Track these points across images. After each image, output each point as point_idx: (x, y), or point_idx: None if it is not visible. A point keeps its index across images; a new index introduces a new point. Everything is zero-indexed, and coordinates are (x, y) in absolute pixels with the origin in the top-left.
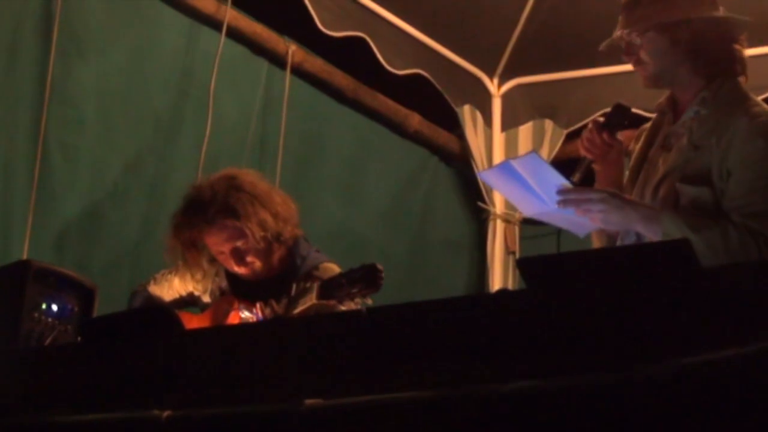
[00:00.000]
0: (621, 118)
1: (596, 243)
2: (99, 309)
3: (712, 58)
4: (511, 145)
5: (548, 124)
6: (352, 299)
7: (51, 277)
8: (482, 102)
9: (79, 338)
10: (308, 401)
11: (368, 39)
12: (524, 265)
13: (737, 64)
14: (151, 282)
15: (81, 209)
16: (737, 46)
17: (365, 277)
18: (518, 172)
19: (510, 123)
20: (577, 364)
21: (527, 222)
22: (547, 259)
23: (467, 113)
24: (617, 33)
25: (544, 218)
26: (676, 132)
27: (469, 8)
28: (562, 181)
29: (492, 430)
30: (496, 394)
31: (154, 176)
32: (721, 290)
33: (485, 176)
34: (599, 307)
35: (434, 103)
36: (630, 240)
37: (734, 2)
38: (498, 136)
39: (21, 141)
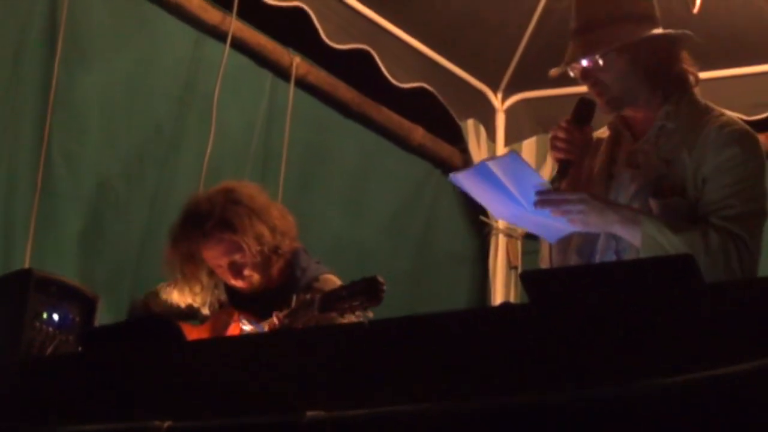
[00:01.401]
0: (589, 112)
1: (547, 251)
2: (100, 319)
3: (668, 75)
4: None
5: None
6: (353, 312)
7: (52, 286)
8: (486, 116)
9: (80, 348)
10: (309, 413)
11: (373, 52)
12: (527, 279)
13: (690, 76)
14: (150, 295)
15: (83, 218)
16: (684, 62)
17: (366, 290)
18: (494, 174)
19: (513, 137)
20: (580, 379)
21: (529, 237)
22: (549, 273)
23: (471, 127)
24: (574, 58)
25: (516, 221)
26: (642, 149)
27: (474, 23)
28: (541, 182)
29: None
30: (497, 408)
31: (157, 186)
32: (724, 306)
33: (457, 179)
34: (602, 322)
35: (438, 116)
36: (610, 252)
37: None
38: (501, 151)
39: (24, 149)
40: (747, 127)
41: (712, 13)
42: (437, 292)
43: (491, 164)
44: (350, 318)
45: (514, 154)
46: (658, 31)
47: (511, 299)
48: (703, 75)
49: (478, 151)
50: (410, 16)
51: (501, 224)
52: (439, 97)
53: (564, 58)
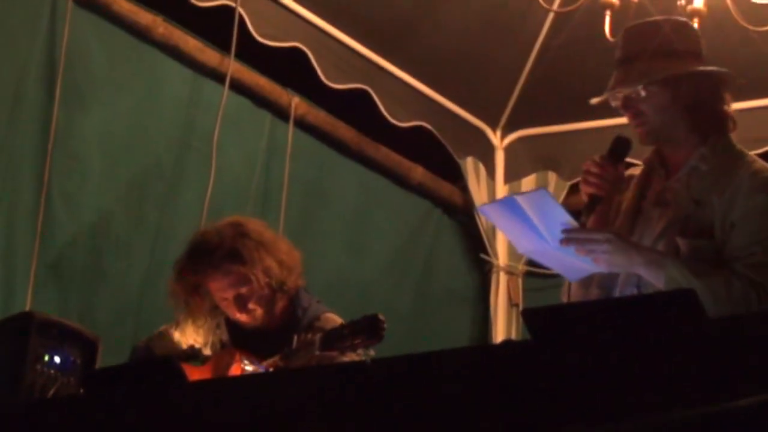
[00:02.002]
0: (625, 150)
1: (567, 286)
2: (102, 361)
3: (707, 115)
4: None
5: (551, 176)
6: (354, 350)
7: (54, 329)
8: (485, 154)
9: (82, 390)
10: None
11: (371, 91)
12: (529, 316)
13: (729, 121)
14: (152, 338)
15: (84, 260)
16: (726, 104)
17: (367, 328)
18: (521, 209)
19: (513, 175)
20: (583, 416)
21: (531, 274)
22: (551, 310)
23: (470, 165)
24: (616, 87)
25: (539, 258)
26: (672, 188)
27: (472, 61)
28: (569, 220)
29: None
30: None
31: (157, 227)
32: (728, 340)
33: (485, 210)
34: (605, 358)
35: (437, 155)
36: (630, 287)
37: (729, 55)
38: (501, 188)
39: (24, 191)
40: None
41: (712, 48)
42: (438, 330)
43: (519, 199)
44: (351, 356)
45: (544, 191)
46: (700, 68)
47: (513, 336)
48: None
49: (477, 189)
50: (408, 54)
51: (501, 262)
52: (438, 136)
53: (607, 86)
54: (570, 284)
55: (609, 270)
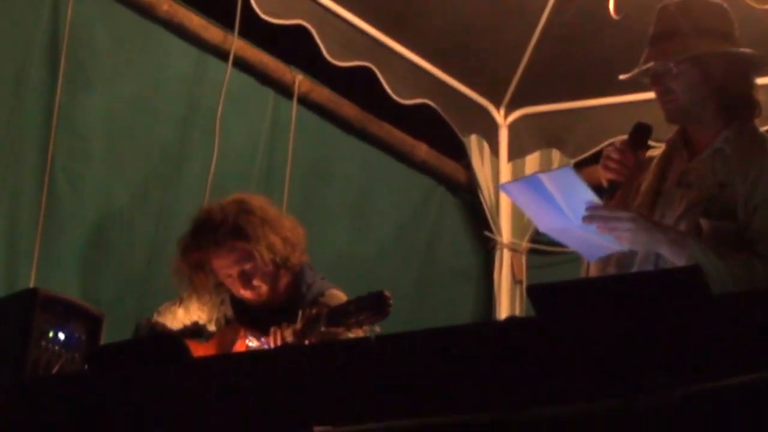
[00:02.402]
0: (645, 136)
1: (585, 265)
2: (106, 337)
3: (735, 98)
4: (517, 175)
5: (555, 154)
6: (360, 326)
7: (58, 305)
8: (489, 132)
9: (86, 367)
10: (317, 428)
11: (375, 69)
12: (534, 292)
13: (755, 108)
14: (155, 314)
15: (88, 238)
16: (755, 89)
17: (373, 305)
18: (544, 187)
19: (517, 153)
20: (587, 391)
21: (534, 252)
22: (556, 286)
23: (474, 143)
24: (650, 62)
25: (559, 235)
26: (696, 169)
27: (476, 38)
28: (593, 198)
29: None
30: (504, 422)
31: (161, 205)
32: (732, 318)
33: (507, 188)
34: (609, 334)
35: (441, 133)
36: (648, 266)
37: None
38: (505, 166)
39: (28, 171)
40: None
41: None
42: (442, 308)
43: (543, 177)
44: (357, 332)
45: (569, 168)
46: (735, 48)
47: (517, 313)
48: None
49: (481, 166)
50: (412, 32)
51: (505, 239)
52: (442, 114)
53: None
54: (588, 264)
55: (631, 248)
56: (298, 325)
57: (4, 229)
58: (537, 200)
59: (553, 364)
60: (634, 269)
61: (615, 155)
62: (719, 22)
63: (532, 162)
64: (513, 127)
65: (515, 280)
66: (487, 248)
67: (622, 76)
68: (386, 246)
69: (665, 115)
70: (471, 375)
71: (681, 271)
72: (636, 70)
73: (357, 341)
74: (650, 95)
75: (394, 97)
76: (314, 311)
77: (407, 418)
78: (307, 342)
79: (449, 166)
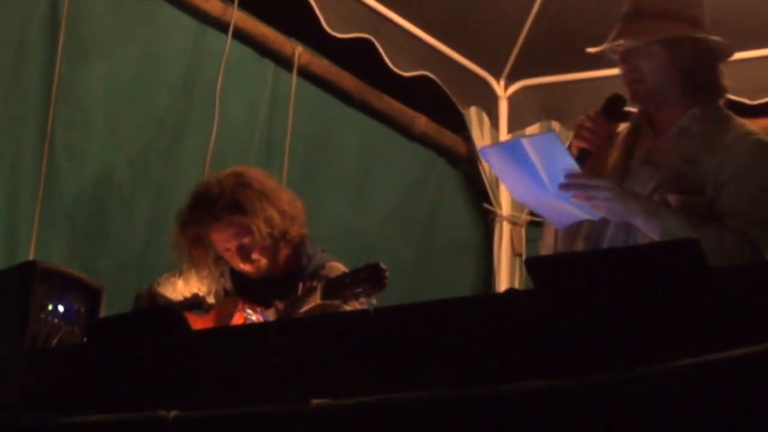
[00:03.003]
0: (620, 107)
1: (552, 238)
2: (105, 310)
3: (702, 82)
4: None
5: (555, 126)
6: (356, 299)
7: (57, 278)
8: (489, 104)
9: (85, 339)
10: (314, 401)
11: (374, 41)
12: (532, 265)
13: (720, 91)
14: (155, 285)
15: (87, 211)
16: (720, 74)
17: (370, 277)
18: (525, 153)
19: (517, 125)
20: (586, 364)
21: (534, 224)
22: (555, 259)
23: (474, 115)
24: (621, 39)
25: (533, 205)
26: (662, 148)
27: (476, 10)
28: (573, 165)
29: (499, 431)
30: (503, 395)
31: (161, 178)
32: (730, 291)
33: (486, 152)
34: (607, 307)
35: (441, 105)
36: (618, 244)
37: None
38: (504, 138)
39: (27, 143)
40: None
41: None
42: (441, 280)
43: (525, 142)
44: (354, 305)
45: (553, 134)
46: (705, 34)
47: (516, 286)
48: None
49: (481, 138)
50: (412, 4)
51: (505, 211)
52: (442, 86)
53: (609, 37)
54: (557, 237)
55: (607, 216)
56: (296, 297)
57: (4, 201)
58: (515, 166)
59: (552, 336)
60: (604, 245)
61: (588, 124)
62: (692, 8)
63: (531, 133)
64: (513, 99)
65: (515, 253)
66: (486, 221)
67: (590, 49)
68: (386, 218)
69: (630, 95)
70: (470, 347)
71: (680, 244)
72: (605, 45)
73: (355, 313)
74: None
75: (394, 69)
76: (314, 283)
77: (405, 390)
78: (304, 314)
79: (449, 138)
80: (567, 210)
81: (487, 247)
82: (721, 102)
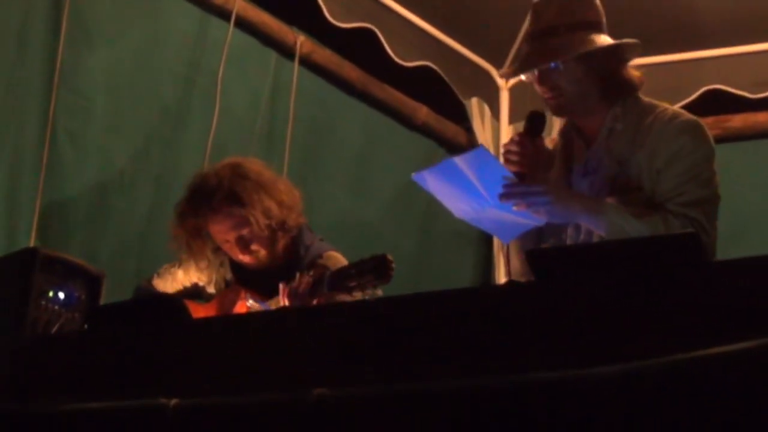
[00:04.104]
0: (540, 124)
1: (513, 254)
2: (106, 297)
3: (617, 83)
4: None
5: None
6: (362, 290)
7: (58, 264)
8: (490, 95)
9: (85, 326)
10: (316, 390)
11: (377, 31)
12: (532, 257)
13: (635, 82)
14: (155, 276)
15: (88, 198)
16: (630, 68)
17: (375, 268)
18: (459, 171)
19: (518, 116)
20: (585, 356)
21: None
22: (555, 251)
23: (475, 106)
24: (537, 62)
25: (476, 222)
26: (595, 155)
27: (478, 1)
28: (507, 175)
29: (499, 421)
30: (503, 386)
31: (162, 165)
32: (729, 284)
33: (420, 177)
34: (607, 299)
35: (442, 95)
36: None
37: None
38: (505, 129)
39: (29, 129)
40: (694, 117)
41: None
42: (442, 271)
43: (458, 160)
44: (359, 296)
45: (482, 148)
46: (615, 41)
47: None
48: (706, 54)
49: (482, 129)
50: None
51: None
52: (443, 76)
53: (519, 59)
54: (508, 251)
55: (551, 220)
56: (309, 279)
57: (5, 188)
58: (451, 186)
59: (551, 328)
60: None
61: (513, 147)
62: (591, 14)
63: None
64: (514, 91)
65: None
66: None
67: (501, 73)
68: (386, 208)
69: (552, 110)
70: (470, 338)
71: (678, 237)
72: (517, 69)
73: (356, 304)
74: (647, 60)
75: (396, 59)
76: (311, 273)
77: (407, 381)
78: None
79: (450, 128)
80: (511, 221)
81: (488, 237)
82: (638, 93)
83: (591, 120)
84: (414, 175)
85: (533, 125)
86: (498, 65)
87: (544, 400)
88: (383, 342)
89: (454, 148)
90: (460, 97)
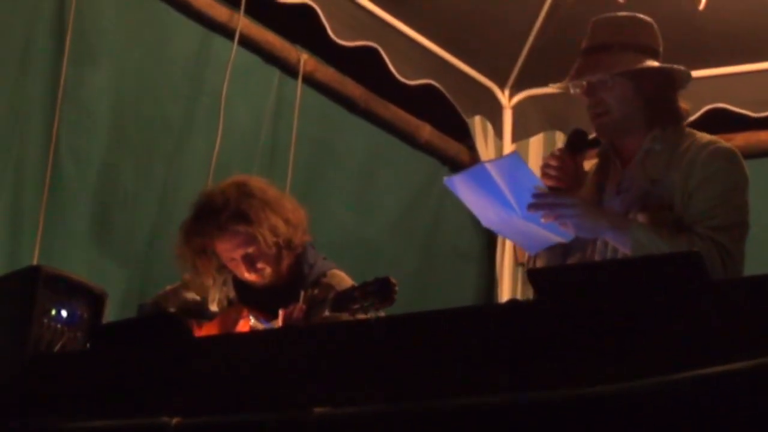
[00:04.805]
0: (581, 142)
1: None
2: (109, 316)
3: (663, 109)
4: (521, 157)
5: (559, 136)
6: (365, 312)
7: (61, 283)
8: (493, 113)
9: (88, 345)
10: (317, 409)
11: (380, 49)
12: (534, 276)
13: (680, 115)
14: (159, 297)
15: (92, 214)
16: (678, 100)
17: (379, 291)
18: (490, 177)
19: (521, 134)
20: (587, 375)
21: None
22: (556, 270)
23: (478, 124)
24: (585, 74)
25: (503, 230)
26: (630, 175)
27: (481, 19)
28: (538, 184)
29: None
30: (506, 405)
31: (165, 182)
32: (730, 303)
33: (452, 182)
34: (609, 318)
35: (445, 113)
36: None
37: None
38: (509, 148)
39: (33, 145)
40: (730, 145)
41: (719, 9)
42: (444, 289)
43: (489, 166)
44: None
45: (516, 155)
46: (666, 65)
47: (518, 296)
48: (710, 72)
49: (485, 148)
50: (417, 12)
51: None
52: (447, 94)
53: (570, 72)
54: (533, 258)
55: (577, 234)
56: (303, 307)
57: (8, 204)
58: (481, 192)
59: (553, 347)
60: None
61: (554, 162)
62: (649, 39)
63: (536, 144)
64: (517, 109)
65: (517, 263)
66: (489, 230)
67: (552, 86)
68: (390, 226)
69: (596, 129)
70: (471, 357)
71: (681, 256)
72: (569, 79)
73: (357, 323)
74: None
75: (399, 77)
76: (315, 291)
77: (407, 400)
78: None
79: (453, 147)
80: (537, 233)
81: (490, 256)
82: (682, 124)
83: (630, 141)
84: (446, 180)
85: (575, 142)
86: (501, 84)
87: (546, 418)
88: (385, 361)
89: (457, 167)
90: (463, 116)
